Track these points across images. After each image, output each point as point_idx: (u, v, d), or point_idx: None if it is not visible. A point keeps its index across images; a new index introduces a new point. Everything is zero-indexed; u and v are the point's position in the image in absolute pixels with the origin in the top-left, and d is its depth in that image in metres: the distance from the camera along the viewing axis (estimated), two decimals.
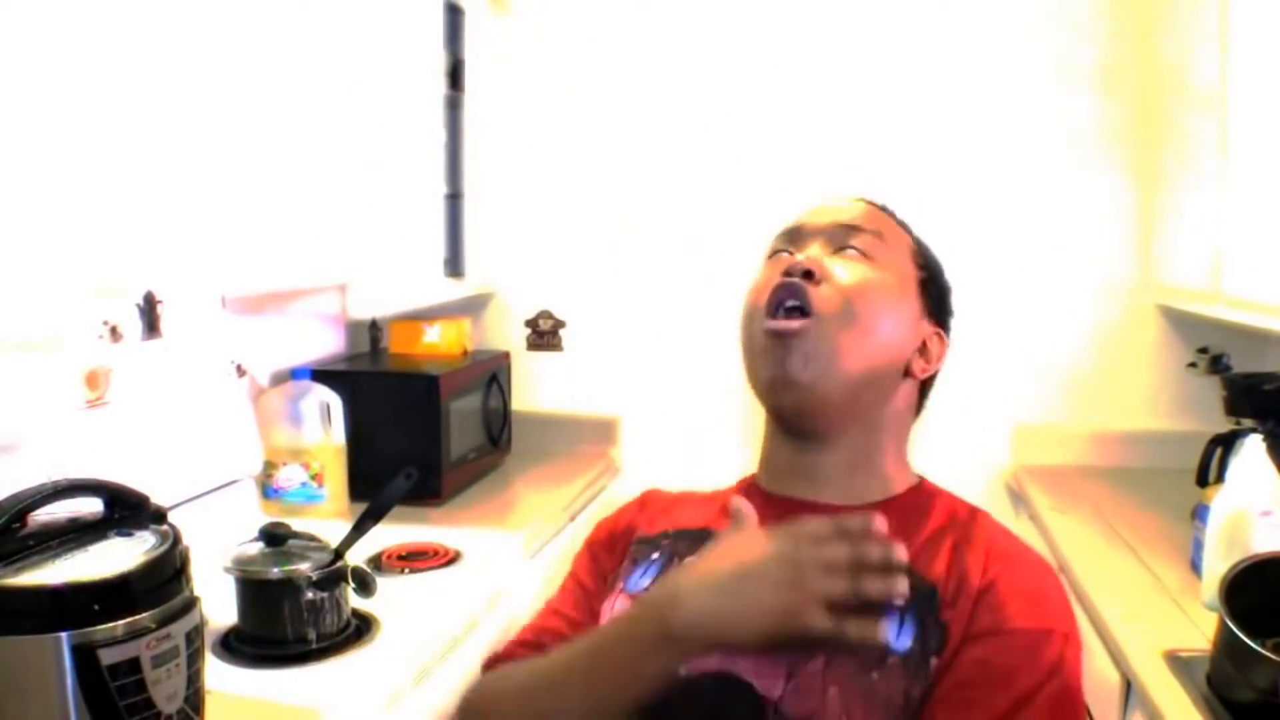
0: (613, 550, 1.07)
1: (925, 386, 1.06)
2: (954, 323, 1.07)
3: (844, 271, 0.96)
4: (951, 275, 1.10)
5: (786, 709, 0.83)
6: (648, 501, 1.13)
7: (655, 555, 1.01)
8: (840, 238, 0.99)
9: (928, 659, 0.84)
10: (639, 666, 0.81)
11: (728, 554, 0.80)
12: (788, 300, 0.94)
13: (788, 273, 0.95)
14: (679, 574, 0.84)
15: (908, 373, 1.00)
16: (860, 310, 0.95)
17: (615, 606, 0.98)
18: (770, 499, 1.00)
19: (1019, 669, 0.84)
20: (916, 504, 0.98)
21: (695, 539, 0.97)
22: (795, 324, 0.93)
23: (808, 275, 0.95)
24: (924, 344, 1.01)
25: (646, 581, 0.98)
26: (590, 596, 1.05)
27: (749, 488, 1.06)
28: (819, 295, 0.94)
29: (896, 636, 0.85)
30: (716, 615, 0.77)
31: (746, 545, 0.80)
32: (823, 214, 1.03)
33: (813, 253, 0.98)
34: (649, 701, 0.81)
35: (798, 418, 0.97)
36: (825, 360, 0.93)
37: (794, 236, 1.02)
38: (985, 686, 0.83)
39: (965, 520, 0.97)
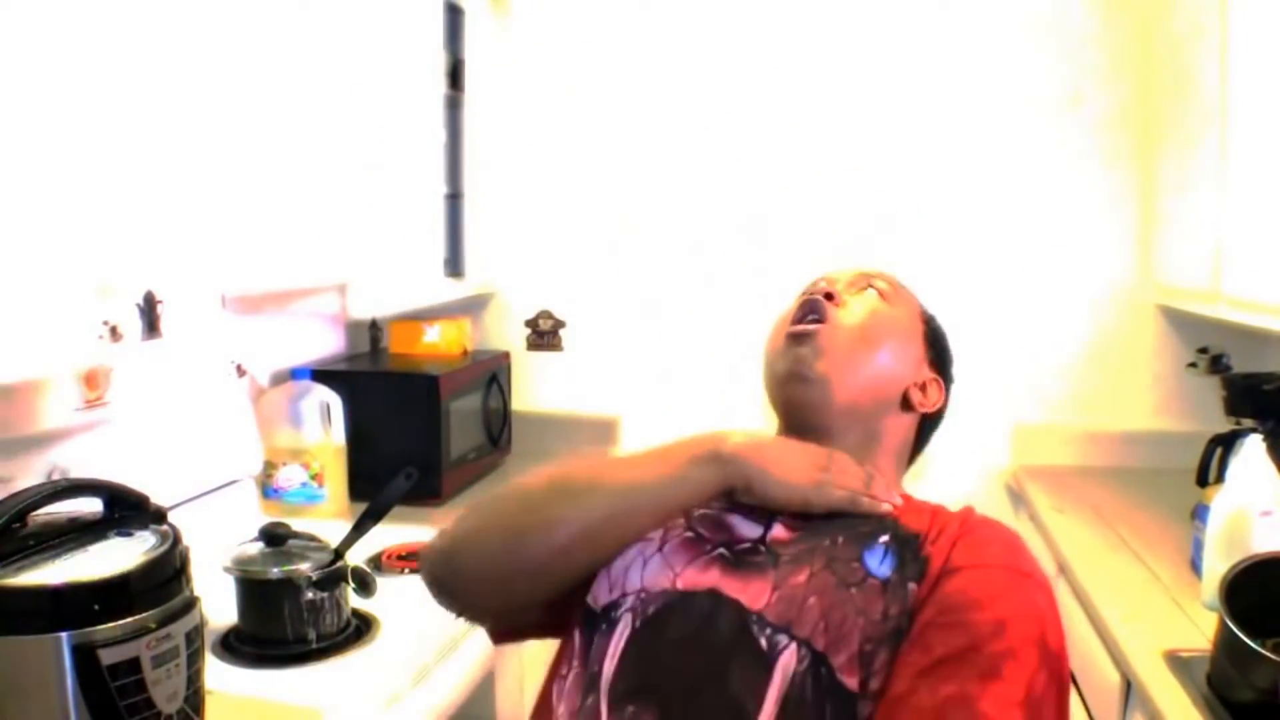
0: None
1: (926, 427, 1.14)
2: (954, 370, 1.16)
3: (861, 302, 1.08)
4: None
5: (768, 617, 0.89)
6: None
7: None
8: (861, 282, 1.10)
9: (906, 583, 0.89)
10: (684, 474, 0.97)
11: (782, 437, 1.02)
12: (809, 314, 1.05)
13: (810, 293, 1.07)
14: (727, 430, 0.99)
15: (907, 402, 1.08)
16: (870, 331, 1.05)
17: None
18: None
19: (999, 596, 0.87)
20: (909, 507, 1.02)
21: None
22: (811, 326, 1.04)
23: (829, 297, 1.06)
24: (925, 384, 1.10)
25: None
26: None
27: None
28: (836, 313, 1.05)
29: (879, 565, 0.91)
30: (761, 456, 0.96)
31: (794, 440, 1.01)
32: (845, 269, 1.13)
33: (837, 283, 1.08)
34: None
35: (803, 410, 1.04)
36: (833, 359, 1.02)
37: (826, 279, 1.11)
38: (968, 609, 0.86)
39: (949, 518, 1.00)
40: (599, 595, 0.98)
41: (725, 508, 0.99)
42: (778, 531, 0.96)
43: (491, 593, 1.03)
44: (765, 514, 0.97)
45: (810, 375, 1.02)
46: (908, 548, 0.92)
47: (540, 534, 0.97)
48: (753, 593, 0.91)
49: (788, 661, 0.86)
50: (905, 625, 0.86)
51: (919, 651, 0.84)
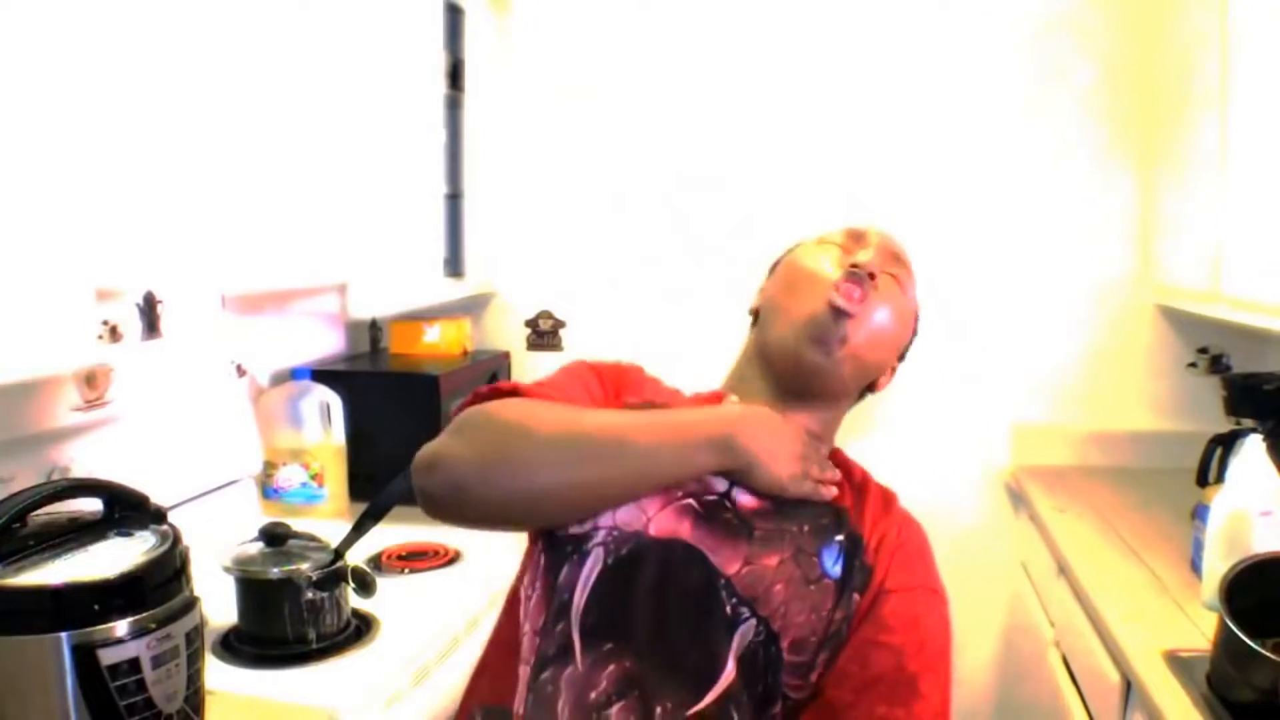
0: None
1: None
2: (927, 342, 1.26)
3: (889, 290, 1.11)
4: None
5: (736, 585, 0.99)
6: (632, 384, 1.19)
7: (638, 405, 1.12)
8: (890, 263, 1.12)
9: (851, 593, 1.01)
10: (693, 457, 1.00)
11: (774, 417, 1.04)
12: (855, 290, 1.06)
13: (858, 266, 1.08)
14: (743, 407, 1.06)
15: (873, 385, 1.16)
16: (891, 329, 1.10)
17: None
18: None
19: (922, 616, 1.03)
20: (845, 478, 1.12)
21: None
22: (853, 308, 1.06)
23: (871, 277, 1.08)
24: (891, 370, 1.17)
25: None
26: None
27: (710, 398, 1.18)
28: (871, 297, 1.08)
29: (832, 565, 1.02)
30: (761, 447, 1.00)
31: (782, 420, 1.04)
32: (878, 233, 1.16)
33: (874, 261, 1.10)
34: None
35: (806, 378, 1.08)
36: (857, 346, 1.07)
37: (856, 237, 1.14)
38: (899, 631, 1.00)
39: (860, 482, 1.12)
40: (569, 527, 1.02)
41: None
42: (744, 497, 1.03)
43: (488, 522, 1.11)
44: (735, 478, 1.03)
45: (835, 353, 1.06)
46: (856, 552, 1.03)
47: (560, 494, 0.99)
48: (724, 557, 1.00)
49: (746, 630, 0.98)
50: (845, 632, 1.00)
51: (856, 665, 0.99)
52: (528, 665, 1.00)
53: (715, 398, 1.16)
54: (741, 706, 0.96)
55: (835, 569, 1.02)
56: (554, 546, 1.03)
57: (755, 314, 1.17)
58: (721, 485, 1.03)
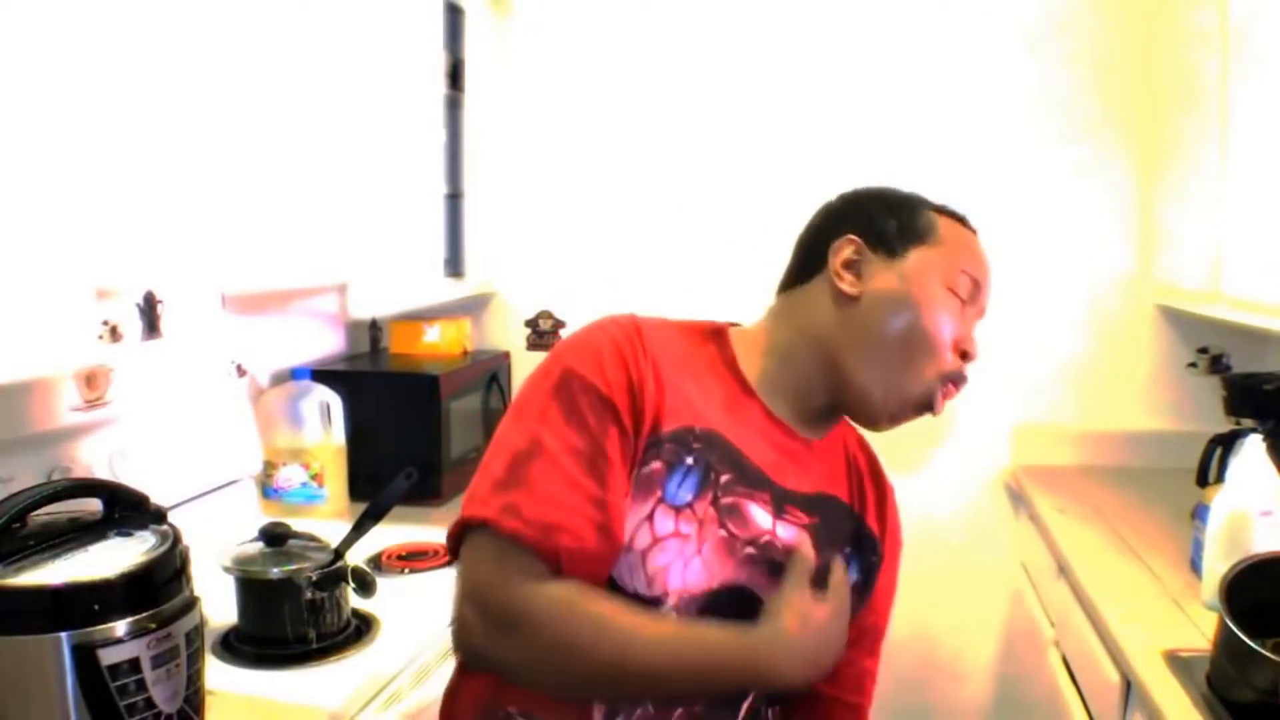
0: (635, 416, 0.99)
1: None
2: None
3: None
4: None
5: None
6: (645, 348, 1.02)
7: (690, 461, 1.00)
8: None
9: (864, 595, 1.12)
10: (731, 686, 1.01)
11: (808, 624, 0.98)
12: (952, 394, 1.09)
13: (961, 377, 1.09)
14: (782, 636, 0.97)
15: None
16: None
17: (657, 519, 0.98)
18: (772, 419, 1.08)
19: (895, 577, 1.17)
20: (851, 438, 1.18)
21: (722, 451, 1.02)
22: (939, 410, 1.08)
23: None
24: None
25: (688, 495, 0.99)
26: (614, 468, 0.97)
27: (729, 364, 1.09)
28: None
29: (854, 572, 1.09)
30: (801, 674, 0.99)
31: (812, 614, 0.99)
32: (989, 278, 1.19)
33: (974, 345, 1.11)
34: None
35: (853, 417, 1.11)
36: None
37: (976, 292, 1.15)
38: (882, 599, 1.15)
39: (868, 464, 1.17)
40: (634, 584, 0.97)
41: (744, 494, 1.01)
42: (788, 532, 1.03)
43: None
44: (776, 504, 1.03)
45: (894, 426, 1.09)
46: (871, 550, 1.12)
47: (596, 693, 0.99)
48: (772, 591, 1.02)
49: None
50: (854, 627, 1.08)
51: (855, 630, 1.07)
52: (600, 711, 0.99)
53: (720, 332, 1.10)
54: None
55: (853, 574, 1.09)
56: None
57: (842, 296, 1.06)
58: (767, 522, 1.02)
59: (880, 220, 1.08)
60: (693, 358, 1.07)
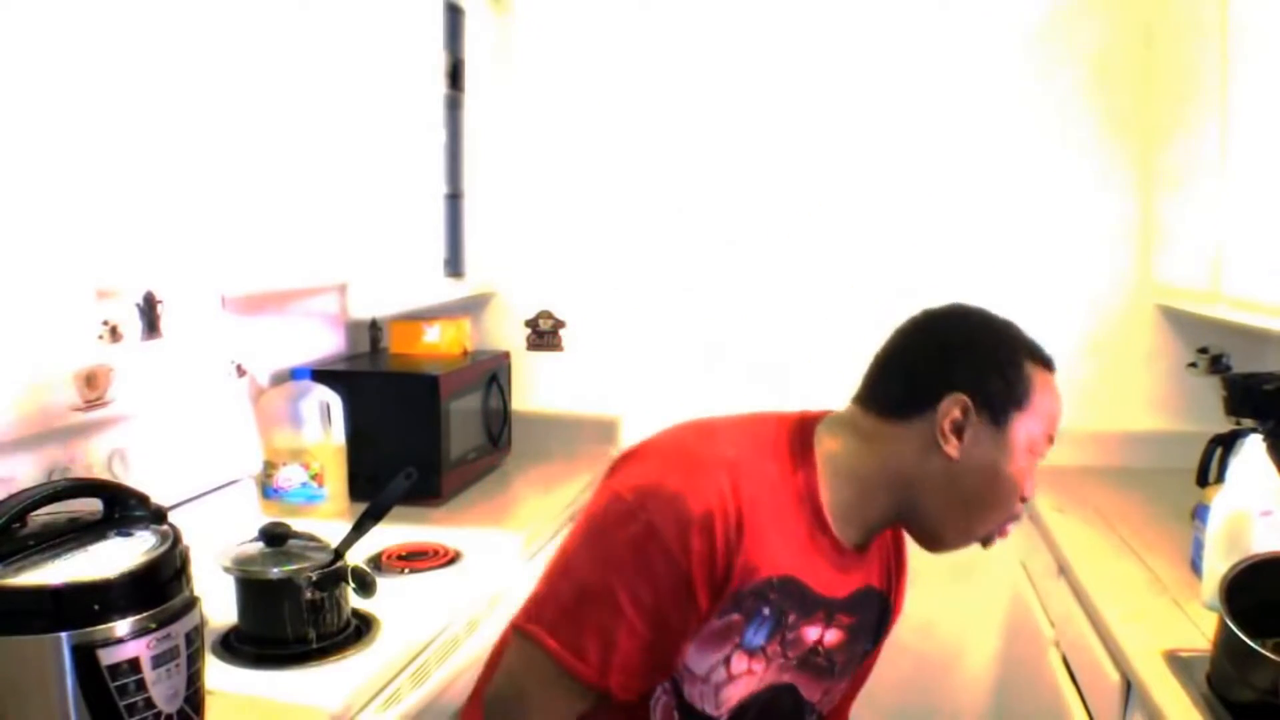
0: (712, 584, 1.05)
1: None
2: None
3: None
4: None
5: (818, 705, 1.22)
6: (739, 506, 1.05)
7: (766, 612, 1.10)
8: None
9: (878, 646, 1.29)
10: None
11: None
12: (1007, 533, 1.19)
13: (1019, 517, 1.18)
14: None
15: None
16: None
17: (733, 661, 1.10)
18: (838, 547, 1.15)
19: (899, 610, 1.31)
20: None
21: (793, 594, 1.11)
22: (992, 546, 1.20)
23: None
24: None
25: (761, 640, 1.11)
26: (670, 623, 1.05)
27: (812, 497, 1.13)
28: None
29: (869, 643, 1.26)
30: None
31: None
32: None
33: (1031, 493, 1.19)
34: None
35: (918, 540, 1.20)
36: None
37: (1049, 447, 1.20)
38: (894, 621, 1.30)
39: (897, 547, 1.29)
40: (703, 705, 1.12)
41: (805, 621, 1.13)
42: (833, 637, 1.17)
43: None
44: (827, 617, 1.15)
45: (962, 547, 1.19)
46: (885, 612, 1.26)
47: None
48: (811, 688, 1.19)
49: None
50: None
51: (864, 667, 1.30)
52: None
53: (808, 447, 1.14)
54: None
55: (871, 645, 1.27)
56: (686, 713, 1.13)
57: (941, 452, 1.10)
58: (814, 635, 1.15)
59: (989, 381, 1.11)
60: (779, 492, 1.10)
